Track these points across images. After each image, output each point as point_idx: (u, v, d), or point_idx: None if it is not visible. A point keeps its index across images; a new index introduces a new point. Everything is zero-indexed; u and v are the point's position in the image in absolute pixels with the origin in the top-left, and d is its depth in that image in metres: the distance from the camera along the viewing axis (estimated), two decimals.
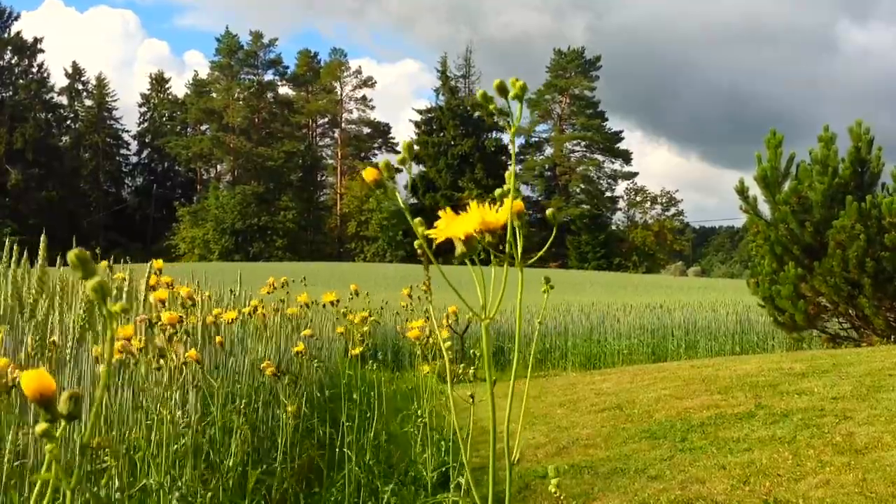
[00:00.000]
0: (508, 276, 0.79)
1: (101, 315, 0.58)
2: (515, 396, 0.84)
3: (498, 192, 0.80)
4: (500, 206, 0.78)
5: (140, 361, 1.85)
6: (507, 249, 0.77)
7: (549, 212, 0.86)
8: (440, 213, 0.76)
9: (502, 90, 0.77)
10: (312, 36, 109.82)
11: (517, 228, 0.78)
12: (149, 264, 2.52)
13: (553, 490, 0.96)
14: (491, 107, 0.78)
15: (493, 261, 0.78)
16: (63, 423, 0.58)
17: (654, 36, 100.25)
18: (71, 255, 0.57)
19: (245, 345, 3.57)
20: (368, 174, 0.79)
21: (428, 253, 0.78)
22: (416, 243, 0.79)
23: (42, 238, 1.70)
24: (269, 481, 2.67)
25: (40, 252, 1.69)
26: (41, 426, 0.56)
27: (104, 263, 2.70)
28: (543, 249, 0.85)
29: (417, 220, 0.78)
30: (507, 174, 0.79)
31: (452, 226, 0.75)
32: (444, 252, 0.79)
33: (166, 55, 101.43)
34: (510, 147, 0.81)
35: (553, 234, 0.83)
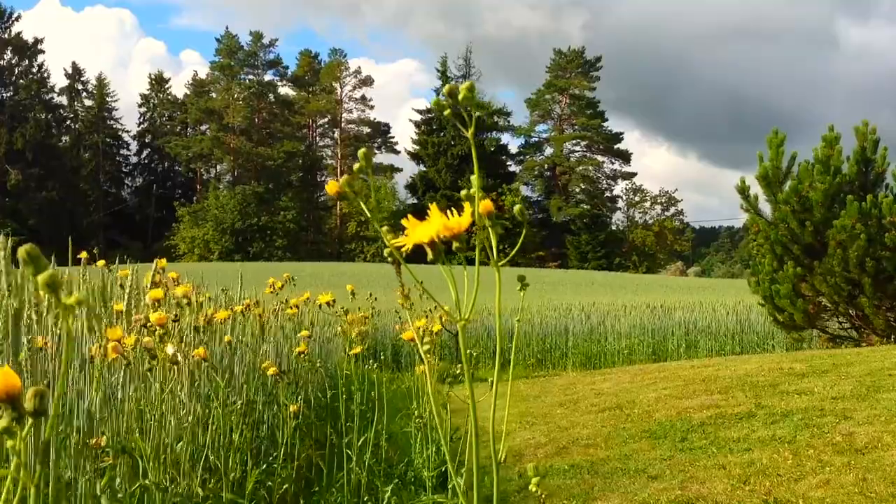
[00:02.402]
0: (496, 276, 0.79)
1: (58, 308, 0.57)
2: (504, 397, 0.83)
3: (463, 193, 0.80)
4: (472, 207, 0.79)
5: (132, 362, 1.85)
6: (477, 250, 0.78)
7: (516, 209, 0.86)
8: (403, 221, 0.77)
9: (452, 94, 0.77)
10: (308, 34, 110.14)
11: (490, 228, 0.78)
12: (154, 263, 2.52)
13: (533, 489, 0.96)
14: (446, 112, 0.78)
15: (462, 261, 0.79)
16: (30, 420, 0.58)
17: (653, 34, 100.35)
18: (21, 251, 0.57)
19: (245, 345, 3.56)
20: (331, 187, 0.80)
21: (398, 258, 0.78)
22: (385, 251, 0.79)
23: (2, 239, 1.68)
24: (269, 481, 2.66)
25: (2, 252, 1.68)
26: (1, 423, 0.56)
27: (101, 263, 2.70)
28: (515, 249, 0.85)
29: (385, 228, 0.78)
30: (472, 177, 0.79)
31: (416, 232, 0.75)
32: (423, 255, 0.79)
33: (163, 54, 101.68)
34: (472, 150, 0.81)
35: (523, 234, 0.83)
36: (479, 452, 0.80)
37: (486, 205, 0.78)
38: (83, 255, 2.54)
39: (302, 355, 3.17)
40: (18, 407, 0.58)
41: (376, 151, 62.69)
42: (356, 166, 0.81)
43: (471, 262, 0.79)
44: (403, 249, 0.77)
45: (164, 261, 2.42)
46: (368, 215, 0.78)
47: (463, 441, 2.36)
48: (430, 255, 0.76)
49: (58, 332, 1.86)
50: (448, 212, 0.78)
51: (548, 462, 4.08)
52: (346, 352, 3.37)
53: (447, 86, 0.79)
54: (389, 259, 0.80)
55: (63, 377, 0.58)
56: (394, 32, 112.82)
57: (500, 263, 0.78)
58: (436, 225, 0.76)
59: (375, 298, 4.88)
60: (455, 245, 0.77)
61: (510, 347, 11.48)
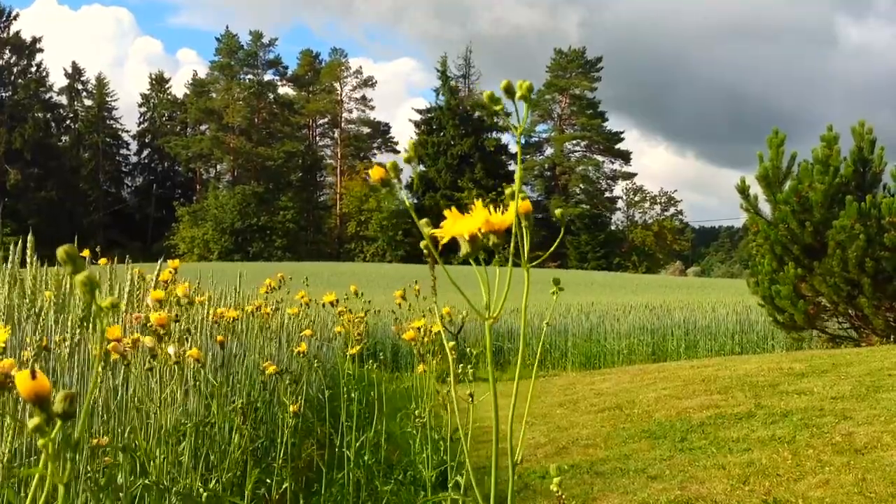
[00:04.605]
0: (513, 276, 0.79)
1: (94, 311, 0.58)
2: (510, 397, 0.84)
3: (508, 190, 0.80)
4: (506, 206, 0.78)
5: (131, 362, 1.85)
6: (511, 249, 0.77)
7: (558, 211, 0.86)
8: (446, 212, 0.76)
9: (509, 91, 0.76)
10: (306, 33, 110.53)
11: (524, 229, 0.78)
12: (158, 263, 2.53)
13: (555, 489, 0.96)
14: (498, 107, 0.77)
15: (497, 260, 0.78)
16: (59, 422, 0.59)
17: (650, 32, 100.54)
18: (60, 250, 0.57)
19: (247, 344, 3.57)
20: (375, 173, 0.80)
21: (434, 253, 0.78)
22: (422, 244, 0.79)
23: (29, 238, 1.69)
24: (269, 481, 2.67)
25: (28, 251, 1.69)
26: (34, 421, 0.57)
27: (104, 261, 2.70)
28: (552, 249, 0.85)
29: (424, 220, 0.78)
30: (516, 175, 0.79)
31: (457, 225, 0.75)
32: (447, 252, 0.79)
33: (159, 53, 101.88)
34: (517, 147, 0.80)
35: (561, 234, 0.83)
36: (498, 451, 0.80)
37: (524, 205, 0.78)
38: (86, 252, 2.54)
39: (301, 355, 3.17)
40: (47, 409, 0.59)
41: (375, 151, 62.79)
42: (405, 156, 0.81)
43: (486, 262, 0.79)
44: (441, 242, 0.76)
45: (176, 261, 2.42)
46: (406, 204, 0.78)
47: (464, 441, 2.36)
48: (464, 249, 0.76)
49: (66, 331, 1.87)
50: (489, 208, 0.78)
51: (547, 462, 4.08)
52: (346, 352, 3.38)
53: (504, 82, 0.78)
54: (425, 251, 0.80)
55: (96, 374, 0.59)
56: (390, 31, 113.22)
57: (532, 264, 0.78)
58: (479, 219, 0.75)
59: (368, 301, 4.88)
60: (493, 241, 0.76)
61: (510, 348, 11.48)
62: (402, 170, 0.83)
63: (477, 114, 56.26)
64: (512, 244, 0.78)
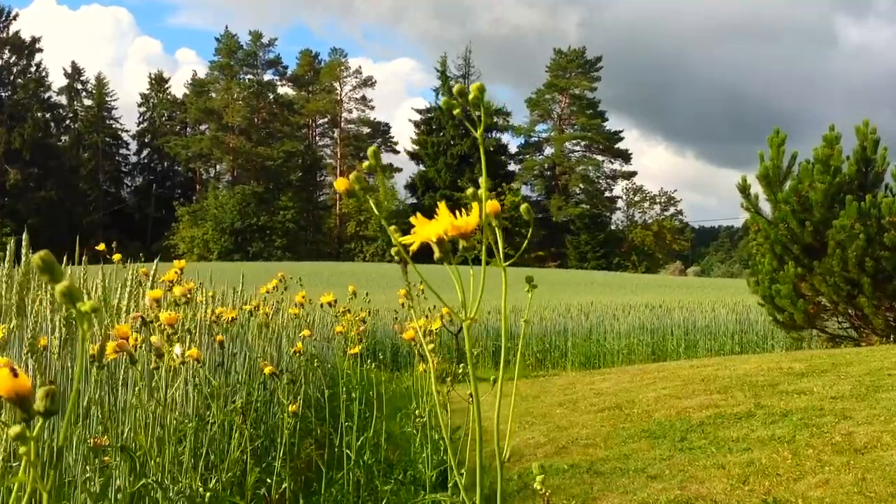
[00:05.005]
0: (498, 276, 0.79)
1: (76, 317, 0.57)
2: (507, 396, 0.84)
3: (470, 191, 0.80)
4: (479, 206, 0.79)
5: (137, 361, 1.85)
6: (484, 250, 0.78)
7: (523, 208, 0.86)
8: (412, 219, 0.77)
9: (462, 95, 0.77)
10: (305, 33, 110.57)
11: (496, 228, 0.78)
12: (154, 263, 2.53)
13: (538, 487, 0.97)
14: (456, 112, 0.78)
15: (469, 260, 0.79)
16: (40, 420, 0.58)
17: (650, 31, 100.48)
18: (35, 258, 0.56)
19: (247, 344, 3.56)
20: (340, 184, 0.80)
21: (406, 257, 0.78)
22: (392, 250, 0.79)
23: (24, 237, 1.69)
24: (269, 480, 2.67)
25: (24, 250, 1.69)
26: (14, 429, 0.56)
27: (118, 256, 2.71)
28: (520, 250, 0.85)
29: (392, 227, 0.79)
30: (480, 180, 0.79)
31: (424, 230, 0.76)
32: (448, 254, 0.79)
33: (158, 53, 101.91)
34: (480, 148, 0.81)
35: (529, 233, 0.84)
36: (481, 450, 0.80)
37: (493, 205, 0.79)
38: (101, 246, 2.56)
39: (299, 355, 3.17)
40: (28, 408, 0.58)
41: None
42: (365, 164, 0.82)
43: (469, 262, 0.79)
44: (412, 248, 0.77)
45: (182, 262, 2.42)
46: (376, 213, 0.78)
47: (463, 440, 2.36)
48: (436, 254, 0.76)
49: (61, 329, 1.87)
50: (457, 212, 0.79)
51: (547, 462, 4.08)
52: (346, 351, 3.38)
53: (457, 86, 0.79)
54: (397, 258, 0.81)
55: (78, 380, 0.58)
56: (389, 31, 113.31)
57: (506, 263, 0.78)
58: (444, 223, 0.76)
59: (369, 301, 4.88)
60: (462, 244, 0.77)
61: (511, 347, 11.47)
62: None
63: (476, 114, 56.16)
64: (484, 245, 0.78)
